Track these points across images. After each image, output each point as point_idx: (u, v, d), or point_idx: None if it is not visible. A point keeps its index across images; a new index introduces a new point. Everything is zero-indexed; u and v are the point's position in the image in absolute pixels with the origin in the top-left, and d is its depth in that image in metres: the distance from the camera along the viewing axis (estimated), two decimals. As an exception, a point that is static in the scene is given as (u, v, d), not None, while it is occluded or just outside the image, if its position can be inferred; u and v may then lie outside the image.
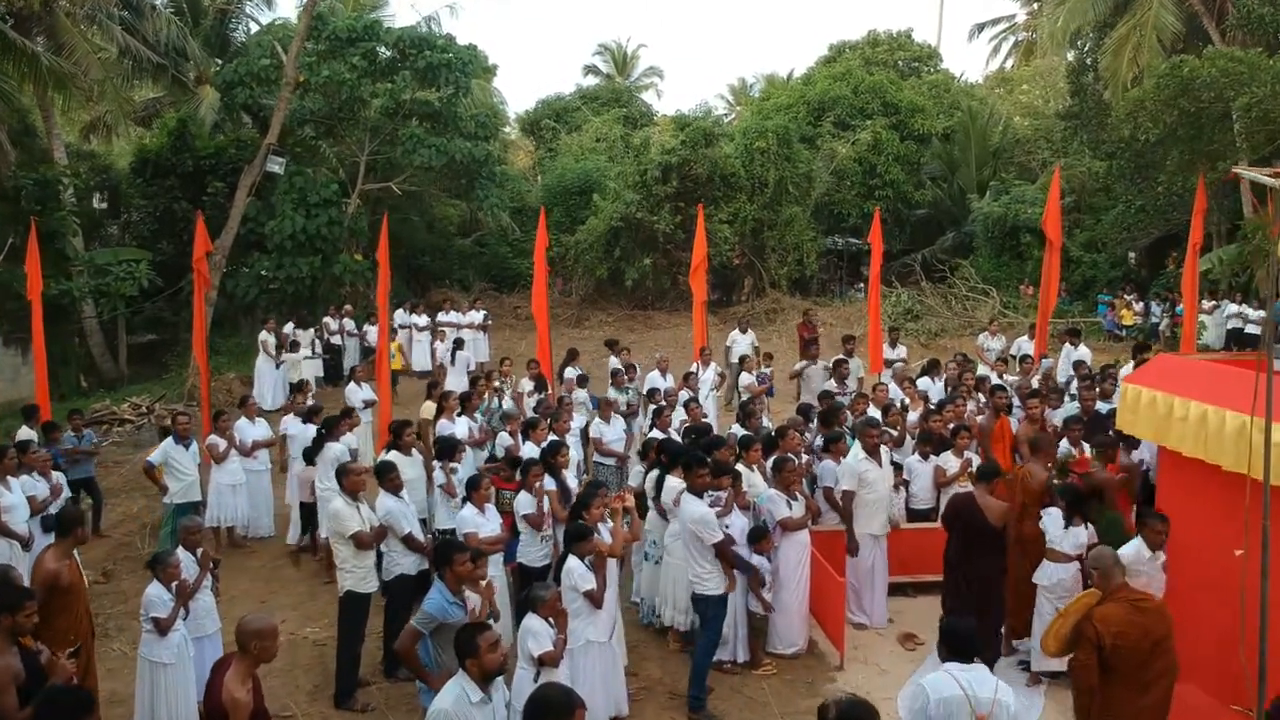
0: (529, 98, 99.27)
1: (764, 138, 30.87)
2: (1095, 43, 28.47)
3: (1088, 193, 30.95)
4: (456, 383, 16.74)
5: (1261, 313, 23.69)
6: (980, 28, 48.54)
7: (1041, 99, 40.59)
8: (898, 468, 10.73)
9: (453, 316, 23.29)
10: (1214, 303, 24.82)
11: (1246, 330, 23.71)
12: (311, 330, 20.91)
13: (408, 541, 8.62)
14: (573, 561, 7.45)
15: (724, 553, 8.16)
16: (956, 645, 5.61)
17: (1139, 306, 27.35)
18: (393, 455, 9.91)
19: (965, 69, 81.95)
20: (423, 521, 9.99)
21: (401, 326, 23.43)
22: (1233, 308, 24.17)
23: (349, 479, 8.45)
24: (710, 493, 8.53)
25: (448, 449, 10.53)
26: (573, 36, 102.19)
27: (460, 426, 12.01)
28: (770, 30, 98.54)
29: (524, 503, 9.05)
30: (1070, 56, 32.26)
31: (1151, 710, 6.15)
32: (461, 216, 35.07)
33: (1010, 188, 32.68)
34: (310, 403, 13.60)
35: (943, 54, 44.04)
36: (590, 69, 53.25)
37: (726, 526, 8.53)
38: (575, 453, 11.33)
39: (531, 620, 6.78)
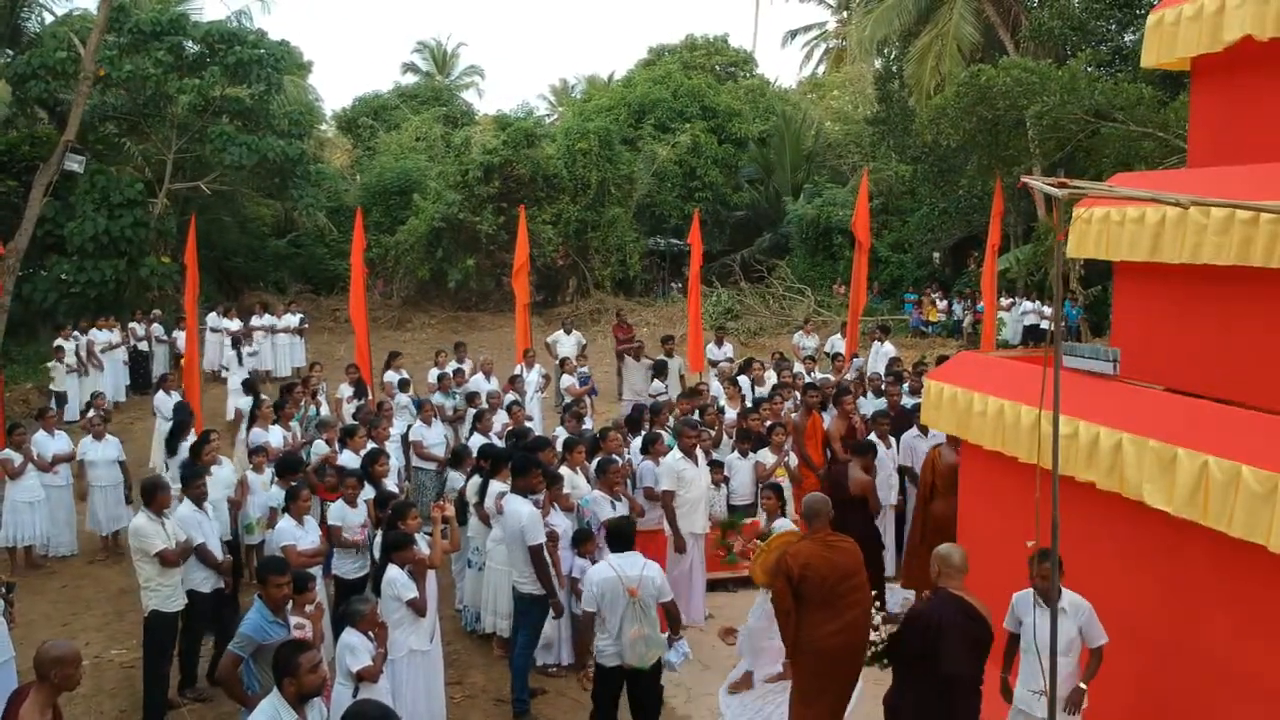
0: (346, 95, 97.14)
1: (586, 139, 31.06)
2: (900, 51, 29.66)
3: (894, 195, 32.29)
4: (239, 383, 16.44)
5: (1056, 309, 25.17)
6: (793, 34, 49.76)
7: (851, 105, 42.06)
8: (719, 465, 10.92)
9: (266, 320, 22.53)
10: (1011, 300, 26.23)
11: (1042, 326, 25.14)
12: (75, 340, 19.02)
13: (198, 553, 8.30)
14: (393, 571, 7.30)
15: (538, 559, 8.15)
16: (613, 540, 7.32)
17: (943, 304, 28.64)
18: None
19: (779, 75, 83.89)
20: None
21: (214, 330, 22.56)
22: (1029, 305, 25.58)
23: (156, 498, 8.05)
24: (529, 495, 8.52)
25: (289, 466, 10.05)
26: (391, 34, 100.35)
27: (274, 435, 11.65)
28: (591, 32, 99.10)
29: (337, 513, 8.84)
30: (877, 64, 33.54)
31: (848, 629, 6.74)
32: (276, 217, 34.00)
33: (823, 190, 33.74)
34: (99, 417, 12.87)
35: (758, 59, 45.25)
36: (409, 67, 52.35)
37: (550, 527, 8.56)
38: (395, 460, 11.13)
39: (350, 635, 6.62)
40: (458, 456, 10.66)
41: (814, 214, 32.28)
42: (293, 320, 23.13)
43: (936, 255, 31.69)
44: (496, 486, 8.96)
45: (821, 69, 50.17)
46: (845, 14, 46.95)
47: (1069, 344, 7.63)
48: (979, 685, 6.24)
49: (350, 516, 8.90)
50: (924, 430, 10.85)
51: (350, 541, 8.77)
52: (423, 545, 7.74)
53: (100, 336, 19.71)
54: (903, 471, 11.16)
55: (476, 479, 9.54)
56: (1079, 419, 6.99)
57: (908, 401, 12.23)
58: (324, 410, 14.06)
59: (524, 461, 8.58)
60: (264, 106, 26.24)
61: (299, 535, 8.49)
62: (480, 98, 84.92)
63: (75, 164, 21.92)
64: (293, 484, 8.92)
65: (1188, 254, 7.18)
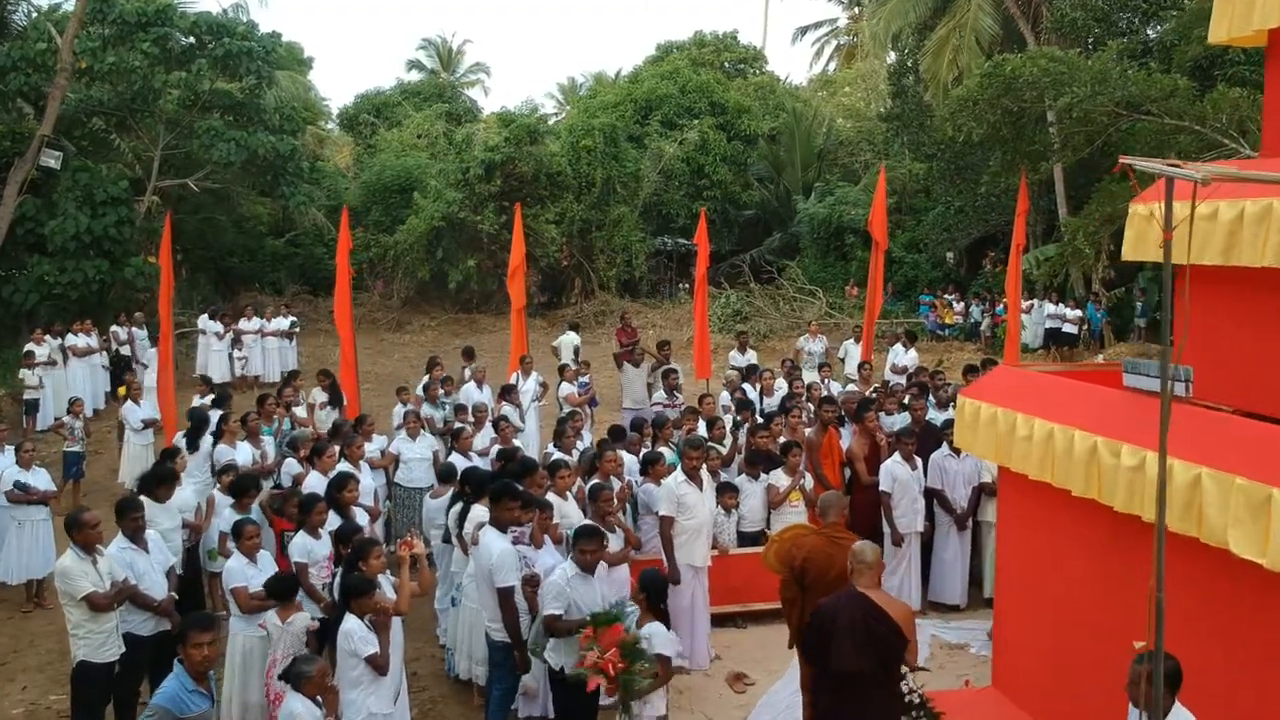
0: (349, 92, 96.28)
1: (590, 136, 30.14)
2: (916, 44, 28.68)
3: (908, 194, 31.24)
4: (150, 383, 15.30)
5: (1079, 312, 24.16)
6: (803, 31, 49.04)
7: (863, 101, 41.05)
8: (731, 488, 9.93)
9: (253, 323, 21.58)
10: (1031, 302, 25.19)
11: (1064, 330, 24.14)
12: (47, 346, 17.99)
13: (130, 596, 7.27)
14: (351, 622, 6.31)
15: (505, 604, 7.18)
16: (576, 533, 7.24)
17: (959, 306, 27.66)
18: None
19: (789, 72, 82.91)
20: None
21: (203, 333, 21.66)
22: (1050, 308, 24.58)
23: (82, 532, 7.06)
24: (513, 527, 7.52)
25: (243, 488, 8.95)
26: (395, 31, 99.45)
27: (242, 452, 10.69)
28: (599, 30, 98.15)
29: (300, 548, 7.85)
30: (891, 58, 32.55)
31: None
32: (273, 216, 33.05)
33: (834, 189, 32.81)
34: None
35: (768, 56, 44.21)
36: (414, 64, 51.35)
37: (531, 564, 7.54)
38: (370, 480, 10.11)
39: (293, 701, 5.64)
40: (445, 476, 9.70)
41: (825, 213, 31.32)
42: (283, 323, 22.21)
43: (950, 255, 30.69)
44: (478, 514, 7.99)
45: (832, 66, 49.27)
46: (856, 10, 46.08)
47: (1131, 360, 6.64)
48: (884, 687, 6.12)
49: (315, 549, 7.90)
50: (955, 450, 9.87)
51: (317, 593, 7.76)
52: (387, 589, 6.79)
53: (79, 341, 18.82)
54: (930, 495, 10.17)
55: (458, 505, 8.57)
56: (1146, 449, 6.00)
57: (936, 417, 11.18)
58: (300, 417, 13.13)
59: (500, 489, 7.56)
60: (255, 101, 25.28)
61: (250, 575, 7.49)
62: (486, 95, 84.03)
63: (52, 159, 20.98)
64: (238, 519, 7.94)
65: (1272, 256, 6.19)
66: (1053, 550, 7.11)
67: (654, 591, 6.73)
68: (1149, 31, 24.87)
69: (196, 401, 13.50)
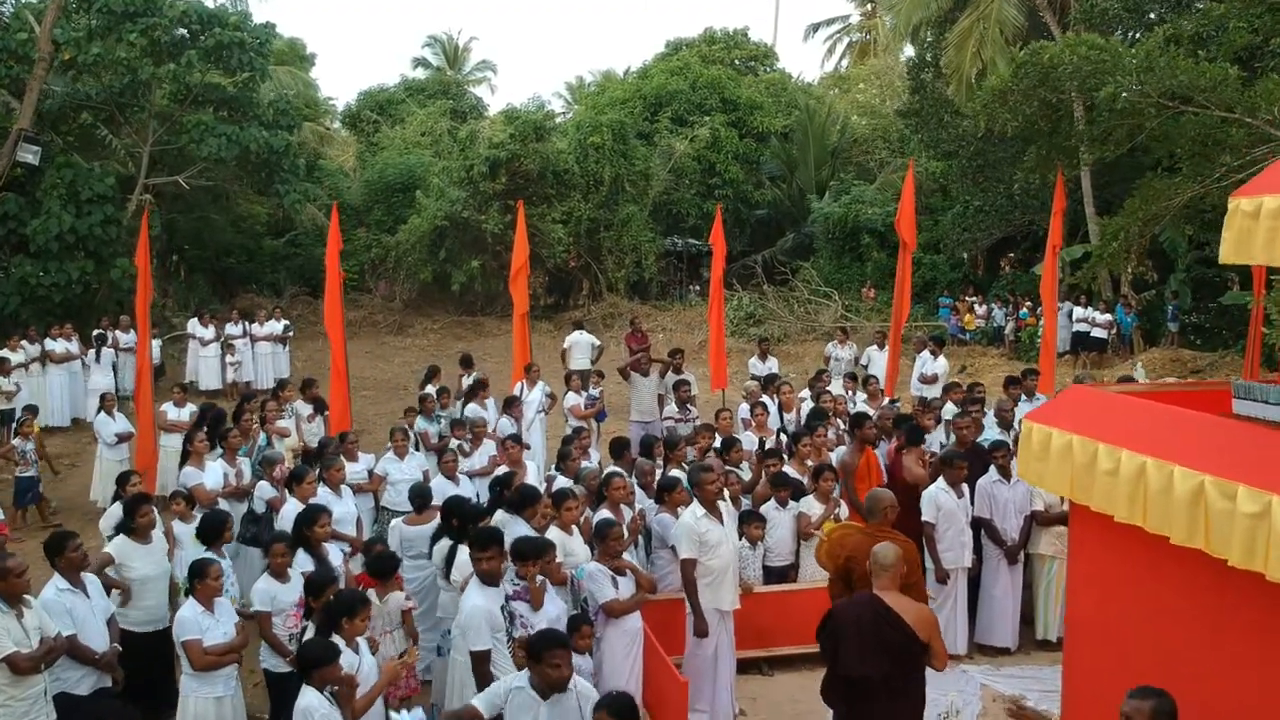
0: (353, 90, 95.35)
1: (599, 133, 29.17)
2: (936, 38, 27.63)
3: (925, 193, 30.20)
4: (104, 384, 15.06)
5: (1108, 316, 23.09)
6: (815, 28, 48.30)
7: (878, 98, 40.03)
8: (756, 518, 8.88)
9: (238, 328, 20.57)
10: (1056, 306, 24.09)
11: (1092, 334, 23.07)
12: (22, 352, 17.06)
13: (69, 649, 6.27)
14: (309, 697, 5.26)
15: (477, 668, 6.17)
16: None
17: (981, 310, 26.61)
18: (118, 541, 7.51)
19: (801, 69, 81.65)
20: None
21: (192, 337, 20.68)
22: (1079, 311, 23.52)
23: (5, 581, 5.98)
24: (514, 581, 6.47)
25: (212, 530, 7.69)
26: (401, 28, 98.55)
27: (212, 473, 9.66)
28: (608, 28, 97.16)
29: (263, 593, 6.82)
30: (910, 52, 31.53)
31: None
32: (271, 215, 32.06)
33: (850, 187, 31.79)
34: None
35: (779, 54, 43.19)
36: (420, 61, 50.39)
37: (529, 626, 6.41)
38: (352, 505, 9.07)
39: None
40: (418, 501, 8.68)
41: (841, 212, 30.29)
42: (276, 327, 21.21)
43: (965, 256, 29.63)
44: (466, 559, 6.95)
45: (844, 63, 48.38)
46: (869, 6, 45.16)
47: (1242, 383, 5.58)
48: (896, 692, 5.90)
49: (280, 595, 6.90)
50: (1005, 474, 8.84)
51: (282, 645, 6.77)
52: (365, 653, 5.77)
53: (58, 347, 17.83)
54: (978, 525, 9.10)
55: (445, 542, 7.53)
56: (1270, 492, 4.95)
57: (989, 435, 10.09)
58: (291, 439, 12.10)
59: (477, 537, 6.54)
60: (248, 95, 24.29)
61: (206, 626, 6.48)
62: (492, 94, 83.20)
63: (30, 154, 19.96)
64: (198, 558, 6.90)
65: None
66: (1142, 606, 6.03)
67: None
68: (1183, 23, 23.79)
69: (173, 412, 12.58)
